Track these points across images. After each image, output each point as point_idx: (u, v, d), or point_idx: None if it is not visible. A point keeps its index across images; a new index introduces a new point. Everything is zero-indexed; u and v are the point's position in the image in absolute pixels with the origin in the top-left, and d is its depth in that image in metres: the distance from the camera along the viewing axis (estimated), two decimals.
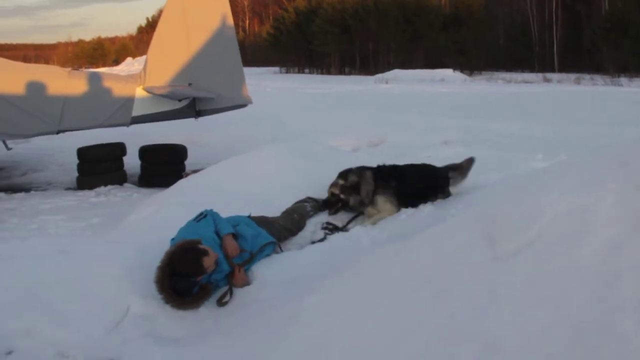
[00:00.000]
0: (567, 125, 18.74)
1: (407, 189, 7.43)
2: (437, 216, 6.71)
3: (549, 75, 58.17)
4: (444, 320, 3.42)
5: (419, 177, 7.60)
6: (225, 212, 6.55)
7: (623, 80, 50.10)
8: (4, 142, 13.33)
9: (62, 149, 16.27)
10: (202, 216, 6.32)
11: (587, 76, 54.69)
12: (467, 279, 3.55)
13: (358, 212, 7.42)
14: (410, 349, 3.41)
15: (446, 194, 7.69)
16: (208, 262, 5.80)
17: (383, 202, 7.30)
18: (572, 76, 55.43)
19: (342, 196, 7.34)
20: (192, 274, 5.78)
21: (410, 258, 4.38)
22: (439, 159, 10.18)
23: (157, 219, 7.42)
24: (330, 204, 7.45)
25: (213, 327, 5.38)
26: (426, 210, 7.39)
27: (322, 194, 7.57)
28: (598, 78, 52.89)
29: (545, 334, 2.86)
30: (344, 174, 7.41)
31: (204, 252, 5.80)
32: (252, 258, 6.31)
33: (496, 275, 3.36)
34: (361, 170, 7.47)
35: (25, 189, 12.94)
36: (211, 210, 6.42)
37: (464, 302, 3.40)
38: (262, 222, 6.72)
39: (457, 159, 10.30)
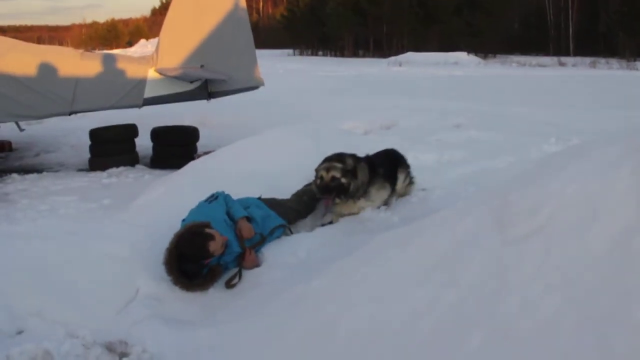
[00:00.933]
0: (582, 109, 18.60)
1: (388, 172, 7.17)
2: (448, 199, 6.69)
3: (564, 59, 57.75)
4: (453, 305, 3.40)
5: (390, 162, 7.39)
6: (235, 194, 6.54)
7: (639, 64, 49.66)
8: (17, 123, 13.34)
9: (74, 130, 16.28)
10: (214, 198, 6.31)
11: (602, 60, 54.27)
12: (477, 264, 3.52)
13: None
14: (419, 334, 3.39)
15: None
16: (214, 246, 5.79)
17: (376, 191, 6.95)
18: (588, 60, 55.02)
19: (343, 180, 6.69)
20: (198, 258, 5.78)
21: (420, 242, 4.34)
22: (451, 143, 10.17)
23: (167, 200, 7.41)
24: (330, 190, 6.72)
25: (222, 309, 5.40)
26: (436, 193, 7.38)
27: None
28: (614, 62, 52.51)
29: (554, 320, 2.83)
30: (338, 157, 6.85)
31: (210, 237, 5.79)
32: (262, 240, 6.31)
33: (506, 260, 3.33)
34: (351, 155, 6.95)
35: (37, 170, 12.96)
36: (223, 192, 6.42)
37: (474, 287, 3.38)
38: (272, 204, 6.71)
39: (469, 143, 10.29)
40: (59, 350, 4.33)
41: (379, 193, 6.96)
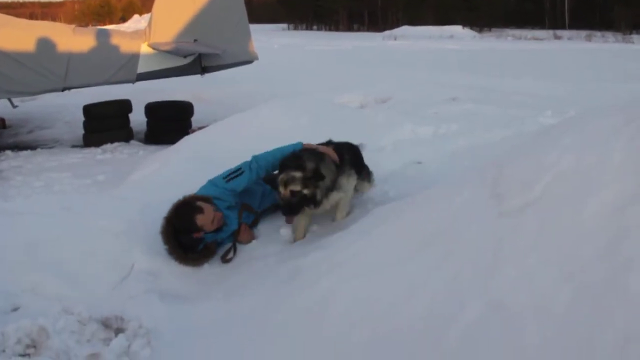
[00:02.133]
0: (577, 82, 18.57)
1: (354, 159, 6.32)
2: (444, 172, 6.67)
3: (559, 32, 57.68)
4: (449, 278, 3.39)
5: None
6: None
7: (635, 37, 49.55)
8: (10, 100, 13.29)
9: (68, 106, 16.25)
10: (238, 173, 6.09)
11: (598, 33, 54.21)
12: (472, 236, 3.51)
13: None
14: (415, 308, 3.38)
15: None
16: (202, 220, 5.75)
17: (346, 180, 6.01)
18: (583, 33, 54.97)
19: (305, 192, 5.61)
20: (187, 230, 5.75)
21: (415, 215, 4.34)
22: (447, 116, 10.13)
23: (161, 175, 7.42)
24: (293, 207, 5.67)
25: (217, 284, 5.39)
26: (432, 166, 7.36)
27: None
28: (609, 35, 52.42)
29: (550, 292, 2.82)
30: (296, 163, 5.66)
31: (199, 210, 5.76)
32: (257, 220, 6.30)
33: (501, 232, 3.32)
34: (312, 152, 5.86)
35: (31, 146, 12.95)
36: (249, 163, 6.07)
37: (469, 260, 3.36)
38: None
39: (465, 116, 10.26)
40: (55, 326, 4.30)
41: (349, 182, 6.05)
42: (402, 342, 3.26)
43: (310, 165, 5.61)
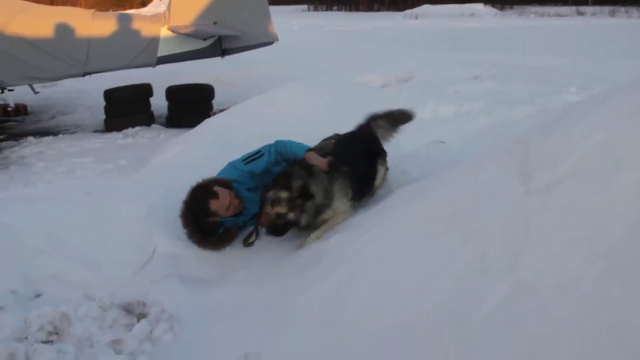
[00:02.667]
0: (601, 58, 18.33)
1: (357, 170, 5.86)
2: (467, 152, 6.58)
3: (582, 8, 56.90)
4: (475, 259, 3.32)
5: (363, 150, 6.14)
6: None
7: None
8: (31, 86, 13.34)
9: (90, 91, 16.27)
10: (258, 156, 6.04)
11: (622, 9, 53.41)
12: (498, 216, 3.44)
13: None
14: (439, 290, 3.32)
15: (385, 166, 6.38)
16: (216, 205, 5.68)
17: (339, 200, 5.62)
18: (607, 9, 54.18)
19: (290, 216, 5.41)
20: (202, 214, 5.70)
21: (439, 195, 4.26)
22: (469, 95, 10.00)
23: (182, 159, 7.40)
24: (279, 229, 5.55)
25: (238, 268, 5.35)
26: (455, 145, 7.26)
27: (350, 129, 7.00)
28: (633, 11, 51.67)
29: (579, 271, 2.75)
30: (284, 180, 5.45)
31: (214, 195, 5.69)
32: None
33: (529, 211, 3.24)
34: (304, 168, 5.58)
35: (53, 132, 12.99)
36: (270, 146, 6.00)
37: (495, 240, 3.29)
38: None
39: (488, 94, 10.11)
40: (77, 312, 4.27)
41: (341, 203, 5.62)
42: (427, 326, 3.20)
43: (297, 183, 5.38)
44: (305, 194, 5.37)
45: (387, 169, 6.45)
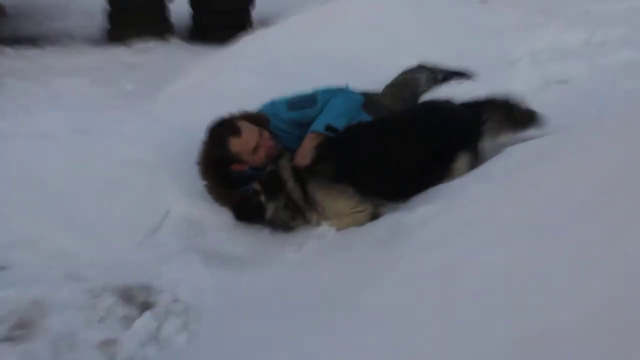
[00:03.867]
0: None
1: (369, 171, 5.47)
2: (600, 98, 6.23)
3: None
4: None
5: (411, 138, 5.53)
6: (303, 83, 6.18)
7: None
8: None
9: None
10: (308, 103, 5.80)
11: None
12: None
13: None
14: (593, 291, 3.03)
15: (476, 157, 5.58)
16: (238, 146, 5.49)
17: (323, 197, 5.45)
18: None
19: (262, 198, 5.51)
20: (219, 158, 5.52)
21: (583, 154, 3.93)
22: (605, 16, 9.65)
23: (209, 88, 7.32)
24: (242, 210, 5.59)
25: (282, 245, 5.25)
26: (583, 87, 6.98)
27: (441, 57, 6.70)
28: None
29: None
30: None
31: (235, 131, 5.50)
32: None
33: None
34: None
35: (37, 43, 13.10)
36: (323, 101, 5.78)
37: None
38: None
39: (632, 16, 9.71)
40: (53, 299, 4.13)
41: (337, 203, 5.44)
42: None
43: (270, 167, 5.55)
44: (274, 181, 5.48)
45: (476, 159, 5.63)
